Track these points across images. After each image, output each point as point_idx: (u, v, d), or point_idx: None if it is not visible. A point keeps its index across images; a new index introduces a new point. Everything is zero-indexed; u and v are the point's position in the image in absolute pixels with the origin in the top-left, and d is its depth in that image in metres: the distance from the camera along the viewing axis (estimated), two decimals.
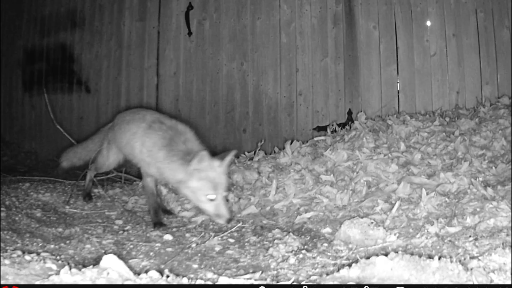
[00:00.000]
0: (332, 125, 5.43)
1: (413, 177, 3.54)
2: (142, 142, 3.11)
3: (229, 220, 2.87)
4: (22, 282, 1.60)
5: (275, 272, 2.20)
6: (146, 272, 1.63)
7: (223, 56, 6.27)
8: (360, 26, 5.83)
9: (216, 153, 3.01)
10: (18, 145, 6.93)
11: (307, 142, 4.75)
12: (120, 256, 1.67)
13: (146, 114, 3.28)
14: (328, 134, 4.93)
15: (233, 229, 3.05)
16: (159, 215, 3.32)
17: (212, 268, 2.33)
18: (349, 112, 5.81)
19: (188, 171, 2.82)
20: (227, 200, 3.04)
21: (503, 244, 2.18)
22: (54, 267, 1.80)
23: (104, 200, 3.91)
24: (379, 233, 2.56)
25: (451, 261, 1.66)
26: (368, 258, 1.72)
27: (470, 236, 2.42)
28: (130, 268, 1.64)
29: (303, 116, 6.01)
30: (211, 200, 2.83)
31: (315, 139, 4.76)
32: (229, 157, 2.95)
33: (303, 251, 2.49)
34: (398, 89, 5.74)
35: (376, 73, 5.78)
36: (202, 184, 2.83)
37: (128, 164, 3.94)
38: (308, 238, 2.79)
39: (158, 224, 3.19)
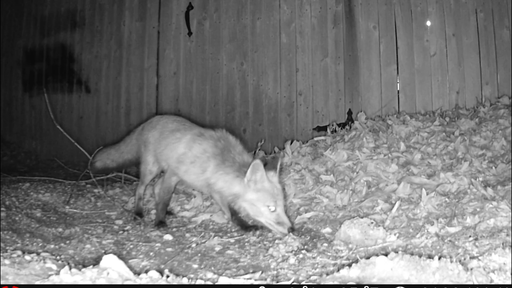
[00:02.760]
0: (332, 125, 5.43)
1: (413, 177, 3.54)
2: (189, 147, 3.04)
3: (291, 229, 2.75)
4: (22, 282, 1.60)
5: (275, 272, 2.20)
6: (146, 272, 1.63)
7: (223, 56, 6.27)
8: (360, 26, 5.83)
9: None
10: (18, 145, 6.93)
11: (307, 142, 4.75)
12: (120, 256, 1.67)
13: (192, 125, 3.28)
14: (328, 134, 4.93)
15: (233, 230, 3.05)
16: (165, 214, 3.32)
17: (212, 268, 2.33)
18: (349, 112, 5.81)
19: (244, 183, 2.77)
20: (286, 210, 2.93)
21: (503, 244, 2.18)
22: (54, 267, 1.80)
23: (104, 200, 3.91)
24: (379, 233, 2.56)
25: (451, 261, 1.66)
26: (368, 258, 1.72)
27: (470, 236, 2.42)
28: (130, 268, 1.64)
29: (303, 116, 6.01)
30: (272, 211, 2.76)
31: (315, 139, 4.77)
32: (279, 163, 2.90)
33: (303, 251, 2.49)
34: (398, 89, 5.74)
35: (376, 73, 5.78)
36: (261, 195, 2.76)
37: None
38: (308, 238, 2.79)
39: (160, 223, 3.19)
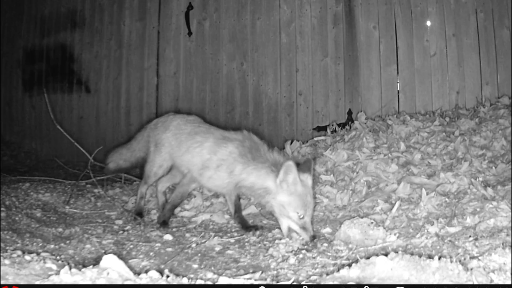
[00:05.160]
0: (332, 125, 5.43)
1: (413, 177, 3.54)
2: (213, 152, 2.95)
3: (313, 238, 2.66)
4: (22, 282, 1.60)
5: (275, 272, 2.20)
6: (146, 272, 1.63)
7: (223, 56, 6.27)
8: (360, 26, 5.83)
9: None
10: (18, 145, 6.93)
11: (307, 142, 4.75)
12: (120, 256, 1.67)
13: (210, 127, 3.18)
14: (328, 134, 4.93)
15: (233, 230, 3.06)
16: (170, 215, 3.31)
17: (212, 268, 2.33)
18: (349, 112, 5.81)
19: (277, 183, 2.69)
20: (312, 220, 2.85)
21: (503, 244, 2.18)
22: (54, 267, 1.80)
23: (104, 200, 3.91)
24: (379, 233, 2.56)
25: (451, 261, 1.66)
26: (368, 258, 1.73)
27: (470, 236, 2.42)
28: (130, 268, 1.64)
29: (303, 116, 6.01)
30: (300, 218, 2.68)
31: (315, 139, 4.77)
32: (312, 167, 2.82)
33: (303, 251, 2.49)
34: (398, 89, 5.74)
35: (376, 73, 5.78)
36: (293, 200, 2.66)
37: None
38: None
39: (164, 223, 3.19)
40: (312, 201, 2.75)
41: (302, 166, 2.81)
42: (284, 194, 2.69)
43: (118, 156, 3.69)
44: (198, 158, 3.02)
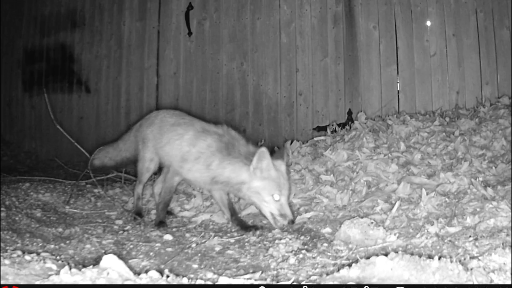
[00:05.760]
0: (332, 125, 5.43)
1: (413, 177, 3.54)
2: (192, 144, 3.01)
3: (292, 221, 2.77)
4: (22, 282, 1.60)
5: (275, 272, 2.19)
6: (146, 272, 1.63)
7: (223, 56, 6.27)
8: (360, 26, 5.83)
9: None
10: (18, 145, 6.93)
11: (307, 142, 4.75)
12: (120, 256, 1.67)
13: (193, 119, 3.23)
14: (328, 134, 4.93)
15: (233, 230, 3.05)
16: (165, 214, 3.31)
17: (212, 268, 2.32)
18: (349, 112, 5.81)
19: (250, 171, 2.77)
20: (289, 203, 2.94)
21: (503, 244, 2.18)
22: (54, 267, 1.80)
23: (104, 200, 3.91)
24: (379, 233, 2.56)
25: (451, 261, 1.66)
26: (368, 258, 1.72)
27: (470, 236, 2.42)
28: (130, 268, 1.64)
29: (303, 116, 6.01)
30: (276, 200, 2.76)
31: (315, 139, 4.77)
32: (287, 153, 2.89)
33: (303, 251, 2.49)
34: (398, 89, 5.74)
35: (376, 73, 5.78)
36: (266, 184, 2.76)
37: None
38: (308, 238, 2.79)
39: (161, 223, 3.19)
40: (287, 183, 2.83)
41: (276, 154, 2.91)
42: (258, 180, 2.78)
43: (104, 154, 3.80)
44: (178, 151, 3.08)
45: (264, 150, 2.72)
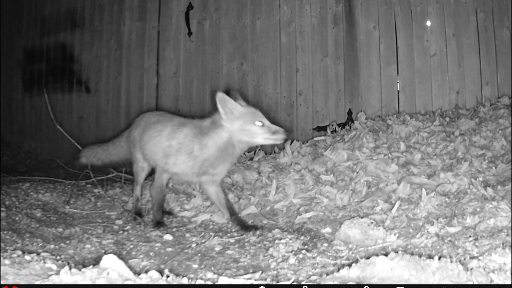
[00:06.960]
0: (332, 125, 5.43)
1: (413, 177, 3.54)
2: (171, 138, 3.09)
3: (287, 132, 2.93)
4: (22, 282, 1.60)
5: (275, 272, 2.19)
6: (146, 272, 1.63)
7: (223, 56, 6.27)
8: (360, 26, 5.83)
9: None
10: (18, 145, 6.93)
11: (307, 142, 4.75)
12: (120, 256, 1.67)
13: (173, 117, 3.32)
14: (328, 134, 4.93)
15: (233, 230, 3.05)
16: (162, 213, 3.31)
17: (212, 268, 2.32)
18: (349, 112, 5.81)
19: (225, 122, 2.90)
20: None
21: (503, 244, 2.18)
22: (54, 267, 1.80)
23: (104, 200, 3.91)
24: (379, 233, 2.56)
25: (451, 261, 1.66)
26: (368, 258, 1.72)
27: (470, 236, 2.42)
28: (130, 268, 1.64)
29: (303, 116, 6.01)
30: (261, 126, 2.90)
31: (315, 139, 4.77)
32: (238, 94, 3.07)
33: (303, 251, 2.49)
34: (398, 89, 5.74)
35: (376, 73, 5.78)
36: (244, 118, 2.90)
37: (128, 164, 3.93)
38: (308, 238, 2.79)
39: (159, 224, 3.19)
40: (257, 110, 2.98)
41: (231, 95, 3.02)
42: (236, 121, 2.91)
43: (92, 153, 3.82)
44: (159, 147, 3.14)
45: (221, 94, 2.88)
